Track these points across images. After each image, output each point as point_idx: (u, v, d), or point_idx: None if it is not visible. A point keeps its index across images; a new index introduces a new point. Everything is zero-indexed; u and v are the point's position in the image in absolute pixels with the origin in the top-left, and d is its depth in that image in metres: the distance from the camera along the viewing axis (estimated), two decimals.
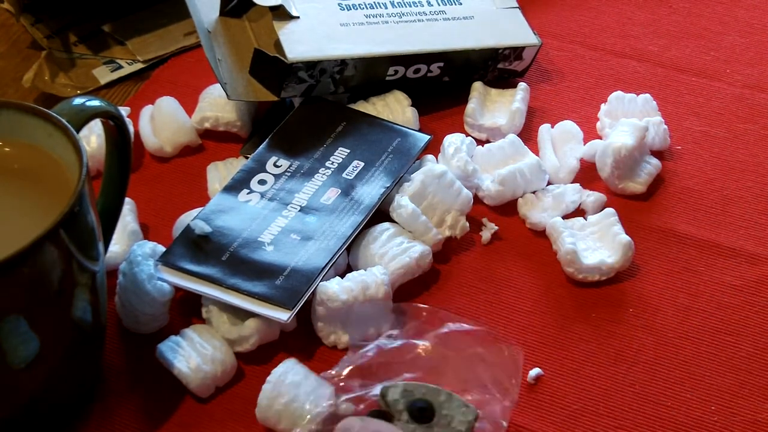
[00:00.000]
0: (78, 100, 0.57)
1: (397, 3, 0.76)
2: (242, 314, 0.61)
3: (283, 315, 0.60)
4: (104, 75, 0.82)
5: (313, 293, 0.61)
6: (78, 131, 0.55)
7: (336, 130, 0.72)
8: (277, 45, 0.72)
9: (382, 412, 0.56)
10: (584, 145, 0.72)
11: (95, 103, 0.58)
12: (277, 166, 0.69)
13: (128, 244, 0.66)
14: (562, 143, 0.72)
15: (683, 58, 0.82)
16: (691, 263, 0.67)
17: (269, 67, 0.71)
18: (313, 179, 0.68)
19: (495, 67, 0.77)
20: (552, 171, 0.71)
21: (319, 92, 0.74)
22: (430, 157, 0.71)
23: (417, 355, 0.59)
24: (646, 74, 0.81)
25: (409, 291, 0.65)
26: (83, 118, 0.56)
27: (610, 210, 0.67)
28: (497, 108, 0.76)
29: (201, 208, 0.67)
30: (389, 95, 0.75)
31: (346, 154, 0.70)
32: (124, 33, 0.85)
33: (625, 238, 0.65)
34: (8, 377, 0.53)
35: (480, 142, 0.73)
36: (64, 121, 0.55)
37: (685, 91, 0.79)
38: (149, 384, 0.61)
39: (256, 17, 0.74)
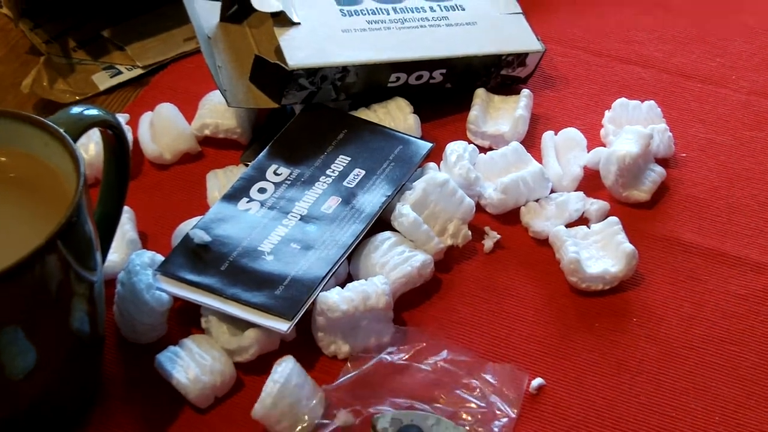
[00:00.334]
0: (76, 109, 0.57)
1: (399, 9, 0.76)
2: (242, 324, 0.61)
3: (282, 325, 0.60)
4: (103, 81, 0.82)
5: (314, 303, 0.61)
6: (76, 141, 0.55)
7: (337, 137, 0.71)
8: (278, 51, 0.72)
9: None
10: (588, 152, 0.72)
11: (93, 111, 0.57)
12: (278, 174, 0.69)
13: (127, 253, 0.65)
14: (566, 151, 0.72)
15: (688, 65, 0.81)
16: (695, 272, 0.66)
17: (270, 73, 0.71)
18: (313, 187, 0.68)
19: (498, 73, 0.77)
20: (555, 179, 0.70)
21: (320, 99, 0.73)
22: (432, 165, 0.71)
23: (415, 379, 0.59)
24: (651, 81, 0.80)
25: (411, 300, 0.65)
26: (81, 127, 0.56)
27: (613, 218, 0.67)
28: (500, 115, 0.75)
29: (200, 217, 0.66)
30: (391, 102, 0.74)
31: (347, 162, 0.69)
32: (123, 38, 0.84)
33: (628, 246, 0.64)
34: (6, 388, 0.53)
35: (483, 150, 0.73)
36: (61, 130, 0.54)
37: (690, 97, 0.79)
38: (148, 394, 0.61)
39: (257, 23, 0.74)
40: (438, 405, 0.58)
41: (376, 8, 0.76)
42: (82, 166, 0.53)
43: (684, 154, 0.74)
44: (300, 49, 0.71)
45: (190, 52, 0.84)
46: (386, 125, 0.73)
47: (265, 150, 0.70)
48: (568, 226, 0.68)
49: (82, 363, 0.58)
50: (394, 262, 0.64)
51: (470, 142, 0.73)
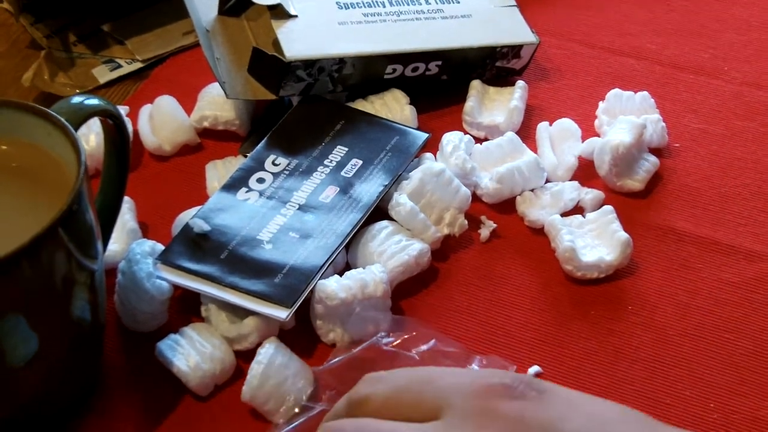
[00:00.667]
0: (76, 99, 0.57)
1: (395, 1, 0.77)
2: (241, 312, 0.61)
3: (281, 313, 0.60)
4: (103, 74, 0.82)
5: (312, 291, 0.61)
6: (76, 130, 0.55)
7: (334, 128, 0.72)
8: (276, 44, 0.72)
9: None
10: (582, 142, 0.72)
11: (94, 101, 0.58)
12: (276, 165, 0.69)
13: (127, 242, 0.66)
14: (561, 141, 0.72)
15: (681, 56, 0.82)
16: (689, 260, 0.67)
17: (267, 65, 0.71)
18: (311, 177, 0.68)
19: (493, 65, 0.77)
20: (550, 169, 0.71)
21: (317, 91, 0.74)
22: (428, 155, 0.71)
23: (402, 366, 0.59)
24: (644, 72, 0.81)
25: (408, 289, 0.65)
26: (82, 116, 0.56)
27: (608, 207, 0.67)
28: (495, 106, 0.76)
29: (200, 207, 0.67)
30: (387, 94, 0.75)
31: (344, 152, 0.70)
32: (123, 32, 0.85)
33: (623, 235, 0.65)
34: (7, 376, 0.53)
35: (478, 140, 0.73)
36: (62, 119, 0.55)
37: (683, 88, 0.79)
38: (148, 382, 0.61)
39: (255, 16, 0.74)
40: None
41: (373, 1, 0.76)
42: (84, 154, 0.53)
43: (677, 144, 0.74)
44: (297, 41, 0.72)
45: (189, 45, 0.84)
46: (383, 116, 0.73)
47: (263, 141, 0.71)
48: (563, 215, 0.68)
49: (83, 351, 0.58)
50: (392, 251, 0.64)
51: (466, 133, 0.73)
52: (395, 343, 0.61)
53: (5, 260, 0.49)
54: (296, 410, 0.58)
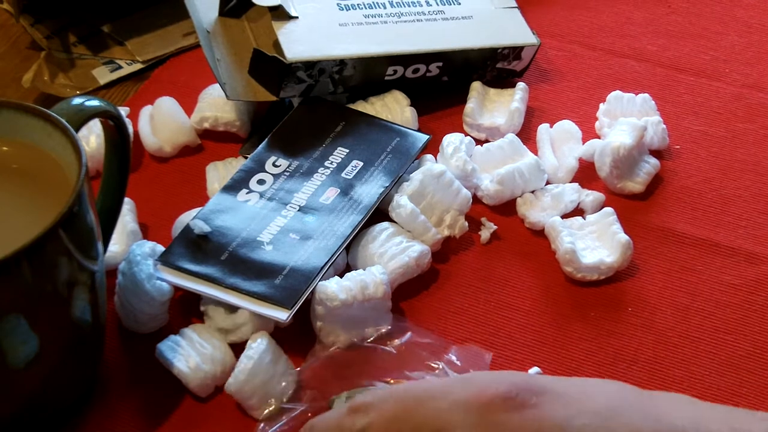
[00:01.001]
0: (77, 100, 0.57)
1: (396, 3, 0.77)
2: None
3: (282, 314, 0.60)
4: (104, 75, 0.82)
5: (313, 293, 0.61)
6: (77, 131, 0.55)
7: (335, 129, 0.72)
8: (276, 45, 0.72)
9: None
10: (583, 144, 0.72)
11: (94, 102, 0.58)
12: (276, 166, 0.69)
13: (127, 243, 0.66)
14: (561, 143, 0.73)
15: (682, 58, 0.82)
16: (689, 262, 0.67)
17: (268, 67, 0.72)
18: (312, 179, 0.68)
19: (494, 66, 0.77)
20: (551, 170, 0.71)
21: (318, 92, 0.74)
22: (429, 156, 0.71)
23: (380, 361, 0.60)
24: (645, 74, 0.81)
25: (408, 291, 0.65)
26: (82, 117, 0.56)
27: (608, 209, 0.67)
28: (496, 108, 0.76)
29: (200, 208, 0.67)
30: (388, 95, 0.75)
31: (345, 153, 0.70)
32: (123, 33, 0.85)
33: (623, 237, 0.65)
34: (8, 377, 0.53)
35: (479, 142, 0.73)
36: (63, 120, 0.55)
37: (683, 90, 0.79)
38: (149, 383, 0.61)
39: (255, 17, 0.74)
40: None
41: (373, 2, 0.76)
42: (84, 156, 0.53)
43: (678, 146, 0.75)
44: (298, 43, 0.72)
45: (189, 46, 0.84)
46: (384, 118, 0.73)
47: (264, 142, 0.71)
48: (564, 217, 0.68)
49: (83, 352, 0.58)
50: (392, 253, 0.64)
51: (466, 135, 0.73)
52: (371, 339, 0.61)
53: (6, 261, 0.49)
54: (277, 408, 0.58)
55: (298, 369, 0.60)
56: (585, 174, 0.71)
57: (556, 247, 0.66)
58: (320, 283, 0.61)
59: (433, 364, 0.60)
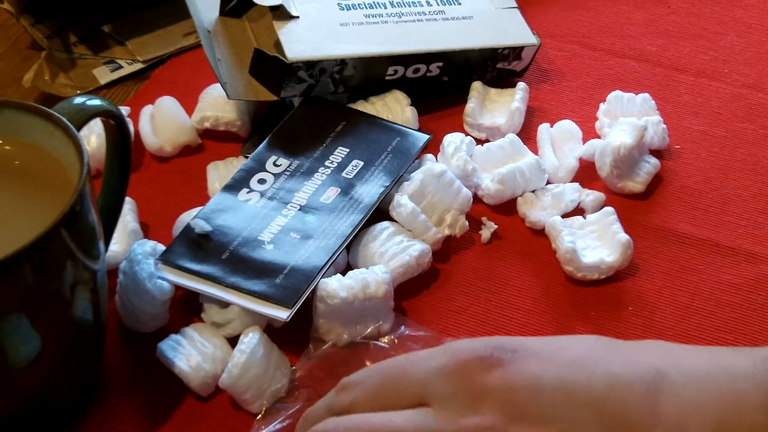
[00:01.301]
0: (78, 99, 0.57)
1: (397, 3, 0.77)
2: None
3: (282, 313, 0.60)
4: (104, 75, 0.82)
5: (314, 290, 0.61)
6: (78, 130, 0.55)
7: (335, 129, 0.72)
8: (277, 45, 0.72)
9: None
10: (583, 144, 0.73)
11: (96, 102, 0.58)
12: (277, 166, 0.69)
13: (128, 243, 0.66)
14: (562, 143, 0.73)
15: (682, 58, 0.82)
16: (690, 262, 0.67)
17: (269, 66, 0.72)
18: (312, 178, 0.68)
19: (494, 66, 0.78)
20: (551, 170, 0.71)
21: (318, 92, 0.74)
22: (429, 156, 0.71)
23: (374, 356, 0.60)
24: (645, 74, 0.81)
25: (409, 290, 0.65)
26: (84, 117, 0.56)
27: (609, 209, 0.67)
28: (496, 108, 0.76)
29: (201, 207, 0.67)
30: (389, 95, 0.75)
31: (345, 153, 0.70)
32: (123, 33, 0.85)
33: (624, 236, 0.65)
34: (9, 376, 0.53)
35: (479, 142, 0.73)
36: (64, 120, 0.55)
37: (683, 90, 0.79)
38: (150, 383, 0.61)
39: (256, 17, 0.74)
40: None
41: (374, 2, 0.76)
42: (86, 155, 0.53)
43: (678, 146, 0.75)
44: (299, 43, 0.72)
45: (190, 46, 0.84)
46: (384, 117, 0.73)
47: (264, 142, 0.71)
48: (564, 216, 0.68)
49: (84, 351, 0.58)
50: (393, 252, 0.64)
51: (467, 134, 0.73)
52: (364, 335, 0.61)
53: (7, 260, 0.49)
54: (273, 403, 0.59)
55: (294, 368, 0.60)
56: (585, 174, 0.71)
57: (556, 247, 0.66)
58: (322, 280, 0.61)
59: None
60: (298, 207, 0.66)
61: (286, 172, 0.69)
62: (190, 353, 0.60)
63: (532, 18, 0.81)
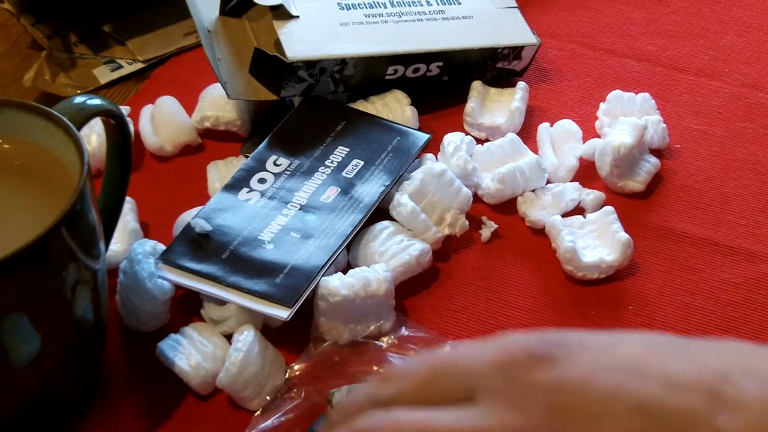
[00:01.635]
0: (79, 99, 0.57)
1: (397, 2, 0.77)
2: None
3: (282, 313, 0.60)
4: (104, 75, 0.82)
5: (315, 288, 0.61)
6: (79, 129, 0.55)
7: (335, 129, 0.72)
8: (277, 44, 0.72)
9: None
10: (583, 143, 0.73)
11: (96, 101, 0.58)
12: (277, 165, 0.69)
13: (129, 242, 0.66)
14: (562, 142, 0.73)
15: (682, 58, 0.82)
16: (690, 261, 0.67)
17: (269, 66, 0.72)
18: (312, 178, 0.68)
19: (494, 66, 0.78)
20: (551, 169, 0.71)
21: (318, 91, 0.74)
22: (429, 155, 0.71)
23: (373, 356, 0.60)
24: (645, 73, 0.81)
25: (409, 289, 0.65)
26: (84, 116, 0.56)
27: (609, 208, 0.67)
28: (496, 107, 0.76)
29: (201, 207, 0.67)
30: (389, 94, 0.75)
31: (345, 152, 0.70)
32: (124, 33, 0.85)
33: (624, 236, 0.65)
34: (9, 375, 0.53)
35: (479, 141, 0.73)
36: (65, 119, 0.55)
37: (683, 90, 0.79)
38: (150, 382, 0.61)
39: (256, 17, 0.74)
40: None
41: (374, 2, 0.76)
42: (86, 154, 0.53)
43: (678, 145, 0.75)
44: (299, 42, 0.72)
45: (190, 46, 0.84)
46: (384, 117, 0.73)
47: (264, 141, 0.71)
48: (564, 215, 0.68)
49: (84, 351, 0.58)
50: (393, 251, 0.64)
51: (467, 134, 0.73)
52: (365, 334, 0.61)
53: (8, 260, 0.49)
54: (272, 399, 0.59)
55: (293, 365, 0.60)
56: (585, 173, 0.71)
57: (556, 246, 0.66)
58: (323, 278, 0.61)
59: None
60: (299, 206, 0.66)
61: (286, 172, 0.69)
62: (190, 352, 0.60)
63: (532, 18, 0.81)
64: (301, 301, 0.61)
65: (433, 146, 0.72)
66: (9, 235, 0.50)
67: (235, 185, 0.68)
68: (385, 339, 0.61)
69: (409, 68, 0.75)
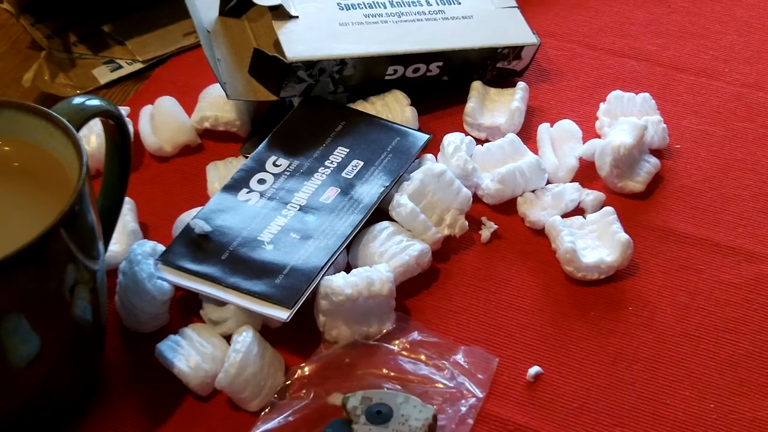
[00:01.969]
0: (78, 100, 0.57)
1: (396, 2, 0.77)
2: None
3: (282, 314, 0.60)
4: (104, 75, 0.82)
5: (317, 287, 0.61)
6: (78, 130, 0.55)
7: (335, 129, 0.72)
8: (277, 45, 0.72)
9: (342, 419, 0.57)
10: (583, 144, 0.73)
11: (95, 102, 0.58)
12: (277, 166, 0.69)
13: (128, 243, 0.66)
14: (562, 142, 0.73)
15: (682, 58, 0.82)
16: (689, 261, 0.67)
17: (269, 66, 0.72)
18: (312, 178, 0.68)
19: (494, 66, 0.78)
20: (551, 170, 0.71)
21: (318, 92, 0.74)
22: (429, 156, 0.71)
23: (385, 359, 0.60)
24: (645, 73, 0.81)
25: (409, 289, 0.65)
26: (83, 117, 0.56)
27: (609, 208, 0.67)
28: (496, 107, 0.76)
29: (201, 208, 0.67)
30: (388, 95, 0.75)
31: (345, 153, 0.70)
32: (123, 33, 0.85)
33: (624, 236, 0.65)
34: (9, 376, 0.53)
35: (479, 141, 0.73)
36: (64, 120, 0.55)
37: (683, 90, 0.79)
38: (149, 383, 0.61)
39: (256, 17, 0.74)
40: (407, 384, 0.59)
41: (374, 2, 0.76)
42: (85, 155, 0.53)
43: (678, 146, 0.75)
44: (298, 43, 0.72)
45: (190, 46, 0.84)
46: (384, 117, 0.73)
47: (264, 142, 0.71)
48: (564, 216, 0.68)
49: (84, 352, 0.58)
50: (393, 252, 0.64)
51: (467, 134, 0.73)
52: (367, 334, 0.61)
53: (7, 260, 0.49)
54: (273, 398, 0.59)
55: (303, 365, 0.60)
56: (585, 173, 0.71)
57: (556, 247, 0.66)
58: (326, 277, 0.61)
59: (439, 364, 0.60)
60: (298, 207, 0.66)
61: (285, 172, 0.69)
62: (189, 353, 0.60)
63: (532, 18, 0.81)
64: (301, 302, 0.61)
65: (432, 146, 0.72)
66: (8, 236, 0.50)
67: (235, 186, 0.68)
68: (396, 342, 0.61)
69: (409, 68, 0.75)
